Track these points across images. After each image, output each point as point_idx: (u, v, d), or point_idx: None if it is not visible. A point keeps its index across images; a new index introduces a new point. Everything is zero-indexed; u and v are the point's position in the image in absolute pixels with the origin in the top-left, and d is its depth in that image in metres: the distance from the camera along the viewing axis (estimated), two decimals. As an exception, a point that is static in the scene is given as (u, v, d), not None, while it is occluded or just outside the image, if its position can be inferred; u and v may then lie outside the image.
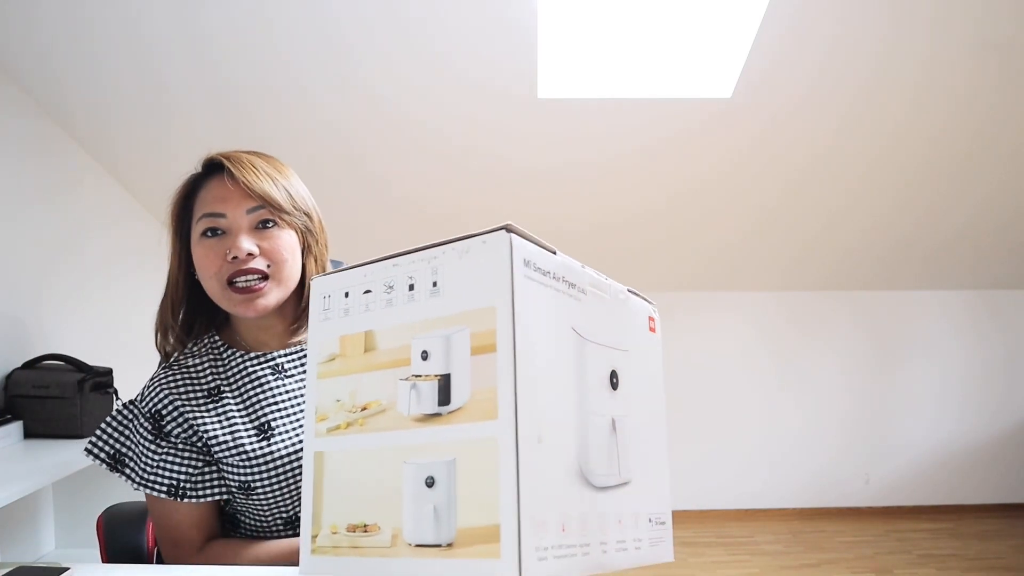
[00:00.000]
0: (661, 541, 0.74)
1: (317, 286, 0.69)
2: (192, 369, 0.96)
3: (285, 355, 0.99)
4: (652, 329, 0.79)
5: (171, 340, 0.99)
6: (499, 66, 2.12)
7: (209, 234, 0.92)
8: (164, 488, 0.90)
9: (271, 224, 0.93)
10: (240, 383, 0.96)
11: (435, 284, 0.61)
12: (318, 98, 2.25)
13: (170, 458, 0.91)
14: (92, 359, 2.08)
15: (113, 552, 1.04)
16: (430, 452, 0.59)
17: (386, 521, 0.60)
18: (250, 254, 0.90)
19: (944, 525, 3.39)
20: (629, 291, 0.74)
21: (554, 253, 0.62)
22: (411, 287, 0.63)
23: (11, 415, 1.93)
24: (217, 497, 0.92)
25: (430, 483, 0.59)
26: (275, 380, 0.97)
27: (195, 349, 0.98)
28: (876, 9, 1.95)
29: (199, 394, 0.94)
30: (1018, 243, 3.09)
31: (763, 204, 2.82)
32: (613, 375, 0.68)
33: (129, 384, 2.13)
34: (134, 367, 2.23)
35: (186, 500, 0.91)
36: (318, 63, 2.12)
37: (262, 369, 0.97)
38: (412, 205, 2.74)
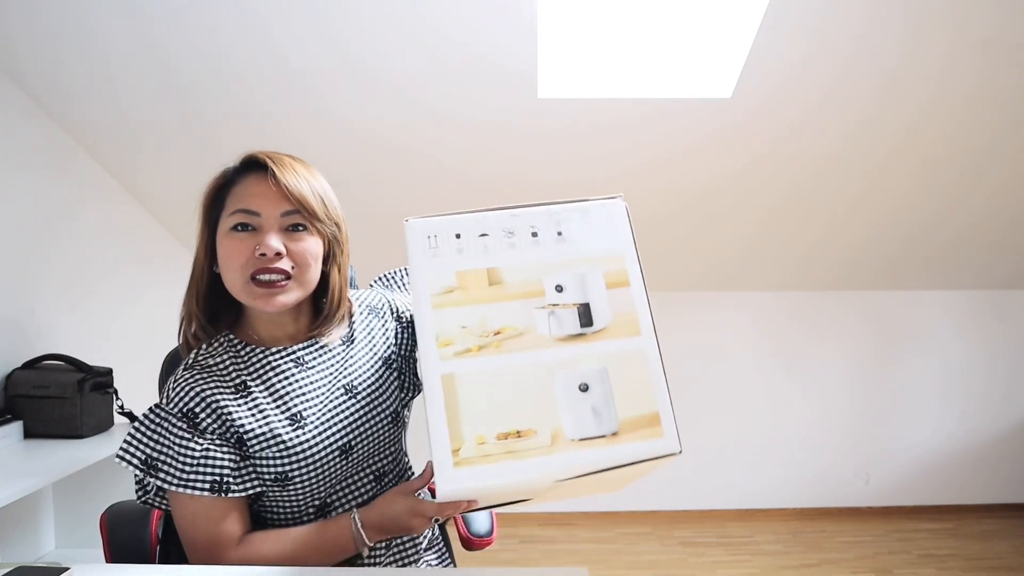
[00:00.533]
0: None
1: (417, 227, 0.77)
2: (214, 368, 0.96)
3: (303, 348, 1.01)
4: None
5: (193, 329, 1.00)
6: (499, 66, 2.13)
7: (240, 228, 0.93)
8: (207, 485, 0.90)
9: (301, 228, 0.95)
10: (265, 376, 0.97)
11: (560, 233, 0.76)
12: (318, 98, 2.25)
13: (211, 453, 0.91)
14: (92, 359, 2.08)
15: (116, 549, 1.05)
16: (578, 363, 0.72)
17: (543, 424, 0.70)
18: (278, 253, 0.92)
19: (944, 525, 3.39)
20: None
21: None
22: (534, 234, 0.76)
23: (11, 415, 1.93)
24: (256, 490, 0.93)
25: (584, 388, 0.71)
26: (299, 372, 0.98)
27: (211, 350, 0.99)
28: (877, 9, 1.95)
29: (227, 390, 0.94)
30: (1021, 243, 3.09)
31: (766, 204, 2.82)
32: None
33: (129, 384, 2.13)
34: (134, 367, 2.23)
35: (230, 495, 0.91)
36: (317, 63, 2.12)
37: (284, 363, 0.99)
38: (411, 205, 2.74)
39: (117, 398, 2.04)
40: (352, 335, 1.06)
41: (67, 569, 0.82)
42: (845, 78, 2.19)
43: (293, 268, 0.94)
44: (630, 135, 2.44)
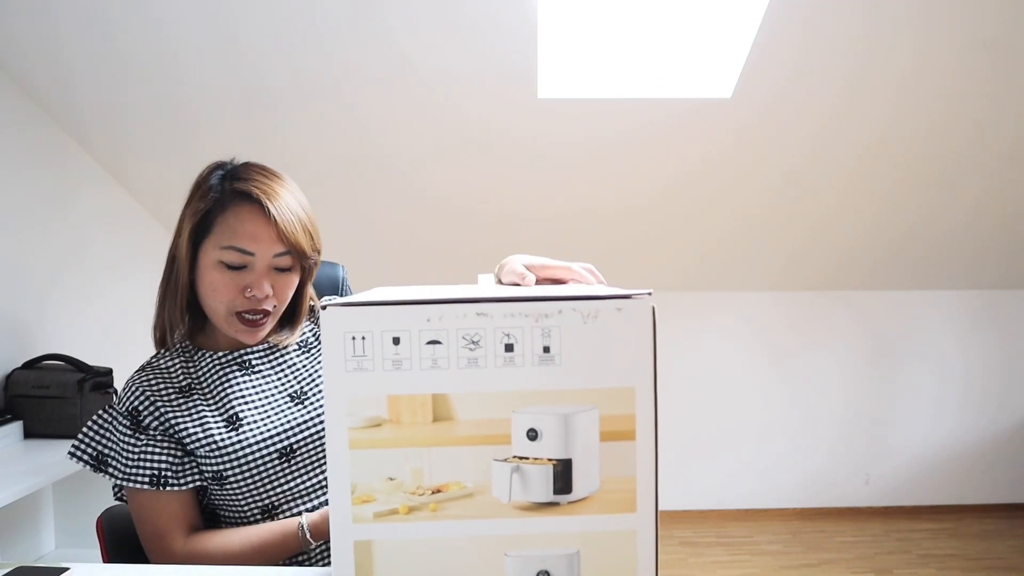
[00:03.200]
0: None
1: (337, 321, 0.51)
2: (165, 370, 1.00)
3: (253, 352, 1.03)
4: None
5: (174, 336, 1.03)
6: (499, 66, 2.12)
7: (231, 266, 0.95)
8: (146, 479, 0.93)
9: (287, 269, 0.98)
10: (209, 379, 1.00)
11: (547, 349, 0.51)
12: (315, 99, 2.25)
13: (150, 449, 0.95)
14: (92, 359, 2.08)
15: (114, 551, 1.05)
16: (541, 544, 0.51)
17: None
18: (266, 296, 0.96)
19: (944, 525, 3.39)
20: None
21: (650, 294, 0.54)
22: (509, 347, 0.50)
23: (11, 415, 1.93)
24: (197, 483, 0.96)
25: None
26: (243, 376, 1.01)
27: (168, 353, 1.03)
28: (876, 9, 1.95)
29: (171, 392, 0.98)
30: (1015, 243, 3.09)
31: (763, 204, 2.82)
32: None
33: (129, 384, 2.13)
34: (134, 367, 2.23)
35: (168, 489, 0.94)
36: (315, 63, 2.12)
37: (230, 366, 1.01)
38: (412, 205, 2.74)
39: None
40: (315, 342, 1.09)
41: (67, 569, 0.82)
42: (844, 78, 2.19)
43: (274, 307, 0.99)
44: (630, 135, 2.44)
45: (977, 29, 2.01)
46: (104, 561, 1.04)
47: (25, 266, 2.09)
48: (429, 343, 0.51)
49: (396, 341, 0.51)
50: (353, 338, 0.51)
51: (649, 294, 0.51)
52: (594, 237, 2.96)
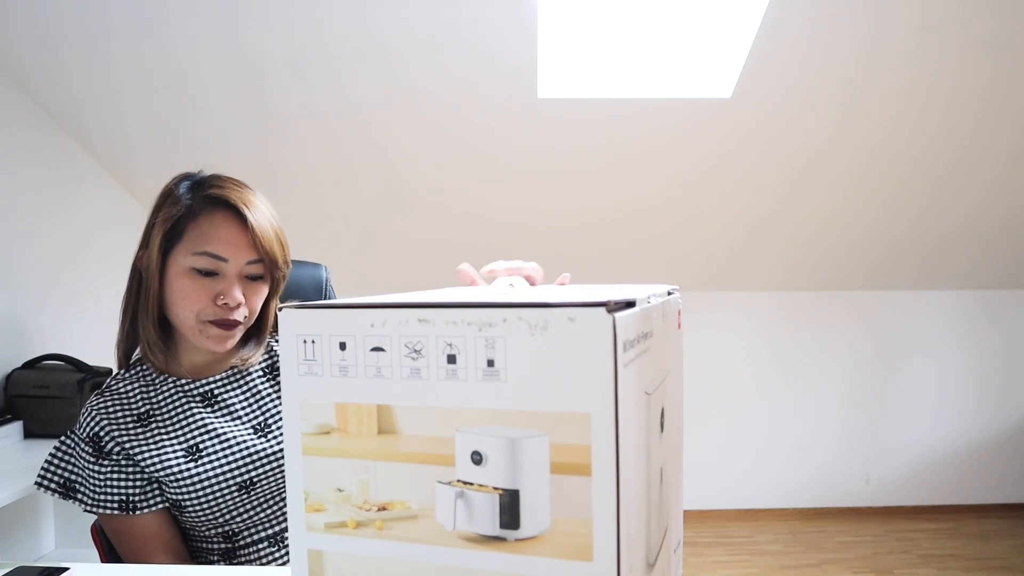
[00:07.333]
0: (680, 562, 0.66)
1: (292, 322, 0.50)
2: (124, 395, 0.98)
3: (216, 381, 1.00)
4: (679, 325, 0.68)
5: (158, 354, 0.98)
6: (499, 66, 2.13)
7: (203, 272, 0.93)
8: (115, 504, 0.92)
9: (258, 278, 0.97)
10: (170, 407, 0.97)
11: (491, 363, 0.46)
12: (316, 100, 2.25)
13: (115, 474, 0.93)
14: (92, 359, 2.08)
15: (112, 553, 1.04)
16: None
17: None
18: (238, 304, 0.94)
19: (944, 525, 3.38)
20: (668, 292, 0.64)
21: (633, 304, 0.47)
22: (451, 358, 0.47)
23: (11, 415, 1.94)
24: (164, 505, 0.94)
25: None
26: (205, 407, 0.98)
27: (126, 375, 1.00)
28: (876, 9, 1.95)
29: (129, 419, 0.96)
30: (1015, 243, 3.09)
31: (763, 204, 2.82)
32: (662, 415, 0.56)
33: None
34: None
35: (138, 512, 0.92)
36: (314, 63, 2.12)
37: (193, 396, 0.99)
38: (412, 204, 2.74)
39: (117, 398, 2.04)
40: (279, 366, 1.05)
41: (67, 569, 0.82)
42: (844, 79, 2.19)
43: (245, 317, 0.96)
44: (630, 135, 2.44)
45: (977, 29, 2.01)
46: (102, 562, 1.04)
47: (25, 266, 2.09)
48: (373, 350, 0.48)
49: (343, 346, 0.49)
50: (304, 341, 0.50)
51: (607, 305, 0.42)
52: (594, 238, 2.96)
